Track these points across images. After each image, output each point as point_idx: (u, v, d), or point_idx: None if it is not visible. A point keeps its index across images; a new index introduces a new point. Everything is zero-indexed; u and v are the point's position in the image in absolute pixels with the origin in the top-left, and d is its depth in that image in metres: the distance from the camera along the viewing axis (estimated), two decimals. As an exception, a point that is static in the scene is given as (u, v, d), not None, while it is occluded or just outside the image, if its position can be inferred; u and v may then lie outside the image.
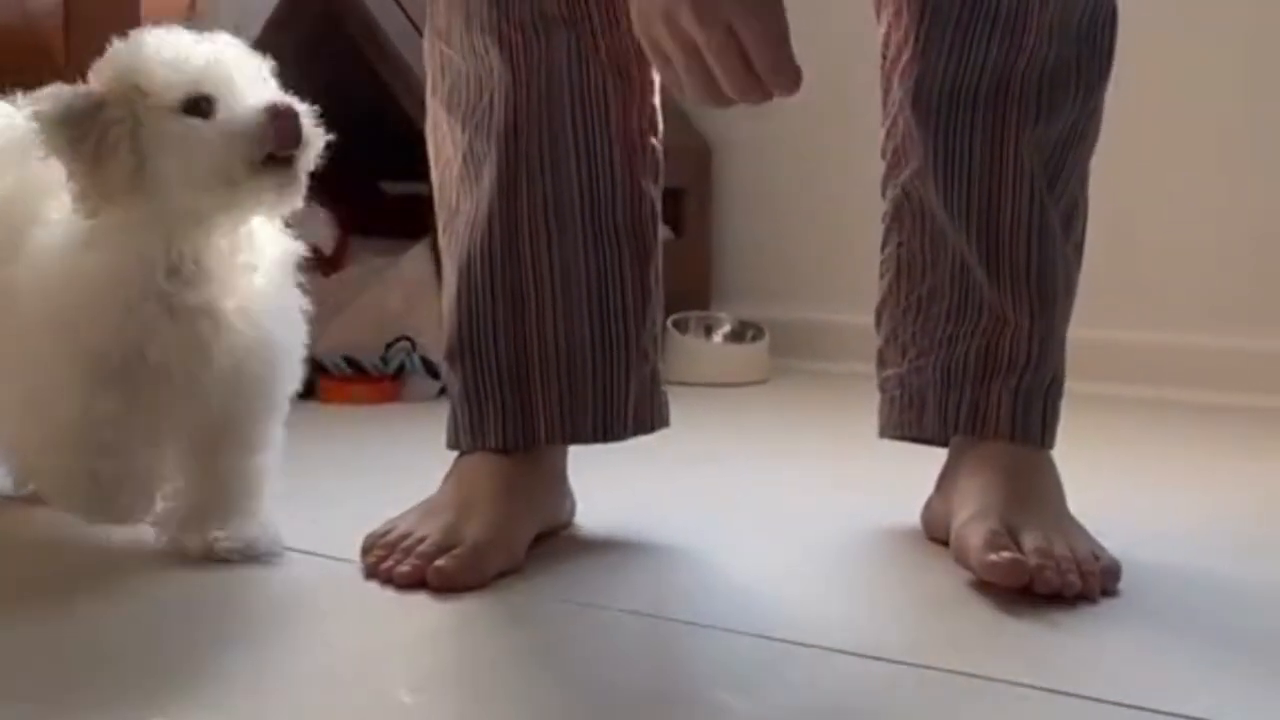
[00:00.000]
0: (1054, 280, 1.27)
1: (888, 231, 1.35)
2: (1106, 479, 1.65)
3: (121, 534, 1.28)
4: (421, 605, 1.13)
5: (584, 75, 1.28)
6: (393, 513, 1.27)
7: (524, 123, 1.27)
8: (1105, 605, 1.14)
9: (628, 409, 1.32)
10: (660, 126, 1.34)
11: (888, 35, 1.32)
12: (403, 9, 2.32)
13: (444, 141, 1.34)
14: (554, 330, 1.29)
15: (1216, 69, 2.31)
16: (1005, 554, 1.12)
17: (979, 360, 1.27)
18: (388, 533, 1.23)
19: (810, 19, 2.55)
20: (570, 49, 1.27)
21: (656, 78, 1.32)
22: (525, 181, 1.28)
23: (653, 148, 1.33)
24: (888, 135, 1.34)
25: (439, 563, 1.17)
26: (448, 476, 1.30)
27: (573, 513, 1.37)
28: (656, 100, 1.33)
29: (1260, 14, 2.28)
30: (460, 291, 1.31)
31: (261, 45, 2.35)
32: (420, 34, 2.30)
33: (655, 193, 1.33)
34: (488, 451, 1.30)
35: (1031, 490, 1.23)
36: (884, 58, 1.33)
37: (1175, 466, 1.80)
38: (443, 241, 1.35)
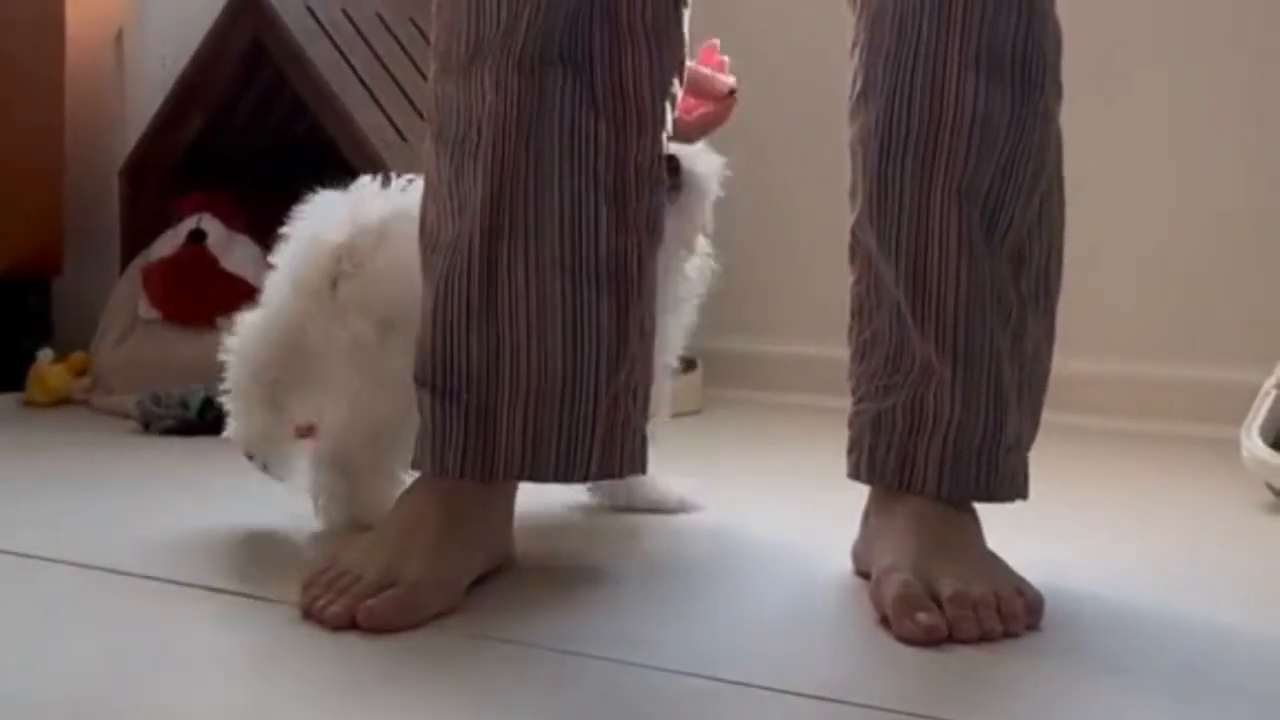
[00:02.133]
0: (983, 330, 1.24)
1: (851, 271, 1.34)
2: (1034, 508, 1.65)
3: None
4: (357, 647, 1.12)
5: (575, 120, 1.28)
6: (320, 553, 1.25)
7: (511, 160, 1.27)
8: (1031, 640, 1.14)
9: (591, 453, 1.29)
10: (662, 176, 1.33)
11: (851, 74, 1.32)
12: (330, 39, 2.31)
13: (430, 171, 1.33)
14: (525, 366, 1.27)
15: (1148, 100, 2.33)
16: (921, 617, 1.12)
17: (905, 415, 1.26)
18: (327, 569, 1.21)
19: (763, 56, 2.57)
20: (565, 92, 1.28)
21: (665, 130, 1.33)
22: (508, 218, 1.27)
23: (647, 197, 1.31)
24: (851, 176, 1.34)
25: (369, 603, 1.15)
26: (397, 505, 1.29)
27: (514, 550, 1.36)
28: (657, 151, 1.32)
29: (1191, 49, 2.31)
30: (435, 316, 1.30)
31: (190, 79, 2.38)
32: (350, 65, 2.30)
33: (645, 241, 1.31)
34: (440, 485, 1.29)
35: (945, 536, 1.22)
36: (849, 97, 1.33)
37: (1103, 496, 1.81)
38: (423, 268, 1.34)
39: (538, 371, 1.27)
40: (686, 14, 1.35)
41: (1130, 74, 2.34)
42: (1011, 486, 1.28)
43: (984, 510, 1.27)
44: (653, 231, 1.32)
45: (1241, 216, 2.29)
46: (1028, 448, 1.31)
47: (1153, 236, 2.34)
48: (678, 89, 1.35)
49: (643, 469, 1.35)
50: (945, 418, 1.24)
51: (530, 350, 1.27)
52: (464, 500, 1.28)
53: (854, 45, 1.32)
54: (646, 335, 1.33)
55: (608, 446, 1.31)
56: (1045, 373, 1.33)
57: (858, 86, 1.30)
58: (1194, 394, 2.23)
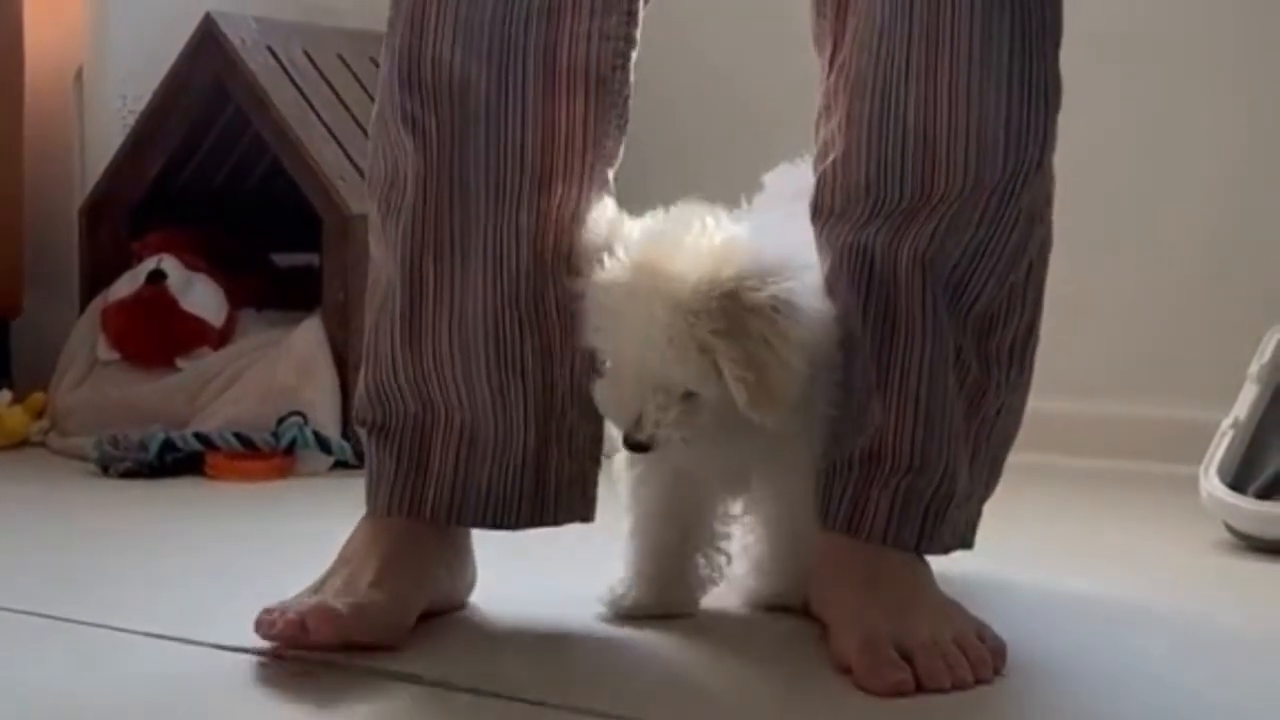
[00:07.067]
0: (943, 393, 1.24)
1: None
2: (996, 547, 1.65)
3: None
4: (312, 691, 1.11)
5: (500, 177, 1.26)
6: (285, 597, 1.24)
7: (432, 216, 1.26)
8: (996, 687, 1.14)
9: (520, 500, 1.30)
10: (586, 220, 1.29)
11: (827, 137, 1.31)
12: (292, 80, 2.31)
13: (369, 211, 1.34)
14: (457, 406, 1.28)
15: (1121, 139, 2.35)
16: (889, 676, 1.11)
17: (861, 462, 1.25)
18: (277, 605, 1.21)
19: (734, 102, 2.58)
20: (490, 148, 1.26)
21: (586, 180, 1.29)
22: (432, 263, 1.27)
23: (570, 244, 1.28)
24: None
25: (320, 606, 1.17)
26: (346, 544, 1.29)
27: (470, 589, 1.36)
28: (584, 198, 1.29)
29: (1165, 84, 2.32)
30: (368, 355, 1.31)
31: (151, 116, 2.37)
32: (310, 105, 2.30)
33: (567, 286, 1.28)
34: (384, 523, 1.29)
35: (901, 583, 1.22)
36: (819, 155, 1.32)
37: (1063, 534, 1.81)
38: (366, 306, 1.35)
39: (468, 412, 1.28)
40: (634, 55, 1.31)
41: (1094, 123, 2.35)
42: (954, 538, 1.28)
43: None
44: (574, 274, 1.29)
45: (1200, 259, 2.31)
46: (981, 500, 1.31)
47: (1115, 279, 2.35)
48: (622, 141, 1.32)
49: (582, 518, 1.34)
50: (901, 469, 1.24)
51: (459, 391, 1.28)
52: (408, 538, 1.28)
53: (827, 110, 1.30)
54: (579, 382, 1.29)
55: (539, 494, 1.30)
56: (1008, 432, 1.32)
57: (835, 153, 1.28)
58: (1153, 433, 2.25)
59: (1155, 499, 1.99)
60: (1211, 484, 1.73)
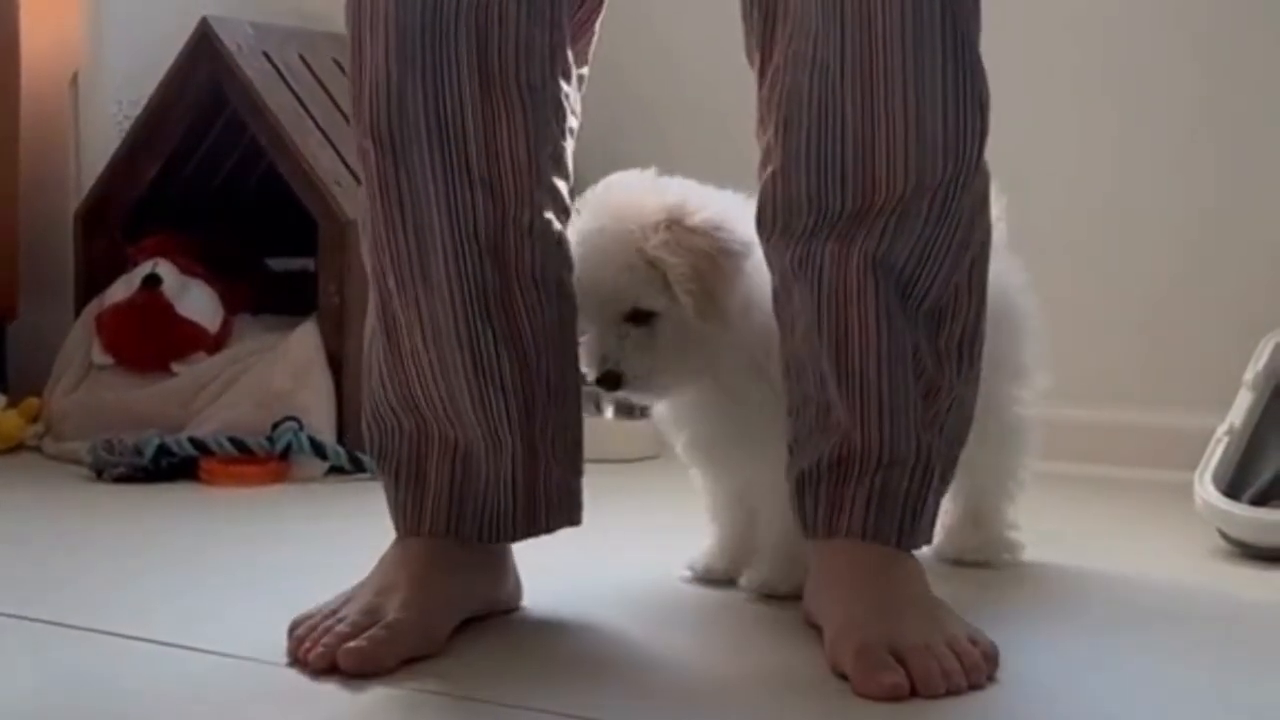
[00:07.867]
0: (904, 391, 1.24)
1: (781, 331, 1.32)
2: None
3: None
4: (321, 698, 1.11)
5: (450, 193, 1.26)
6: (284, 605, 1.25)
7: (387, 239, 1.27)
8: (990, 693, 1.14)
9: (515, 511, 1.31)
10: (548, 227, 1.30)
11: (765, 147, 1.30)
12: (288, 85, 2.31)
13: None
14: (448, 424, 1.29)
15: (1114, 147, 2.35)
16: (885, 679, 1.12)
17: (831, 466, 1.25)
18: (312, 615, 1.23)
19: (701, 106, 2.58)
20: (436, 166, 1.26)
21: (537, 190, 1.29)
22: (393, 283, 1.28)
23: (530, 254, 1.29)
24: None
25: (350, 644, 1.17)
26: (383, 556, 1.31)
27: (517, 595, 1.37)
28: (538, 209, 1.29)
29: (1160, 90, 2.33)
30: (365, 378, 1.33)
31: (147, 121, 2.38)
32: (306, 110, 2.30)
33: (535, 296, 1.29)
34: (410, 542, 1.31)
35: (893, 586, 1.22)
36: (760, 165, 1.31)
37: (1058, 539, 1.81)
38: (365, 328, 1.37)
39: (457, 427, 1.29)
40: (566, 83, 1.32)
41: (1084, 130, 2.36)
42: (926, 534, 1.28)
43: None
44: (542, 286, 1.30)
45: (1196, 265, 2.31)
46: (940, 494, 1.31)
47: (1110, 285, 2.35)
48: (566, 148, 1.33)
49: (570, 522, 1.35)
50: (872, 464, 1.24)
51: (445, 407, 1.29)
52: (443, 549, 1.29)
53: (763, 122, 1.30)
54: (556, 390, 1.31)
55: (531, 504, 1.31)
56: (961, 427, 1.32)
57: (774, 165, 1.27)
58: (1148, 439, 2.25)
59: (1150, 505, 1.99)
60: (1206, 491, 1.73)
